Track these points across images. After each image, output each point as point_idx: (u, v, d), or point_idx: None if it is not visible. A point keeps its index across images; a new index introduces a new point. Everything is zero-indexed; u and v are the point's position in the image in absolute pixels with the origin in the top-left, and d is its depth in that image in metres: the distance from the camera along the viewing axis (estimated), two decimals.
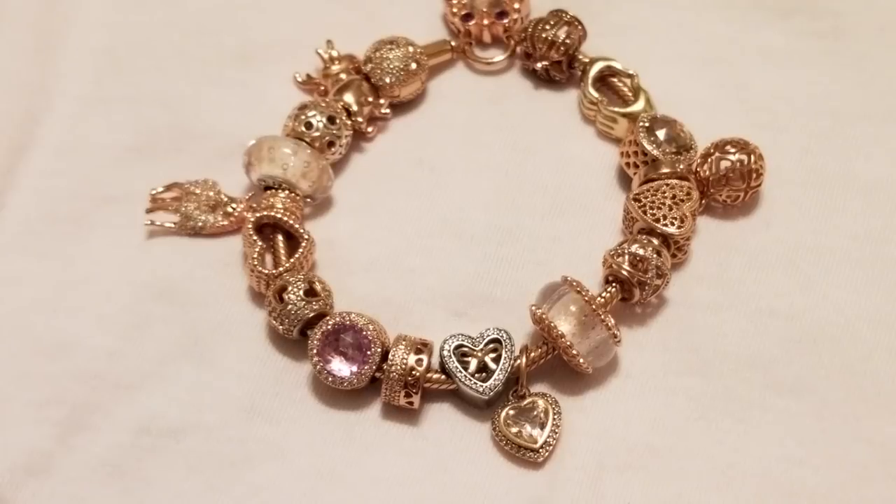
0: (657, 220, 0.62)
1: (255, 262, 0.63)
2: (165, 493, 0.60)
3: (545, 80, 0.70)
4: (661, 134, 0.64)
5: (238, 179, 0.67)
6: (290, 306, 0.61)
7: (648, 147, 0.64)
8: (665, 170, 0.64)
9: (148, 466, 0.61)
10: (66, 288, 0.65)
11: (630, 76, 0.68)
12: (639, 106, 0.67)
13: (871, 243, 0.65)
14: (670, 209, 0.63)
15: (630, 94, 0.68)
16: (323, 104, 0.67)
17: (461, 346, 0.61)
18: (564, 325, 0.60)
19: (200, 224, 0.66)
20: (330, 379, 0.60)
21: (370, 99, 0.69)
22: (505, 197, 0.67)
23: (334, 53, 0.70)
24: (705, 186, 0.65)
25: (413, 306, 0.64)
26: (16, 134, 0.69)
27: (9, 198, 0.68)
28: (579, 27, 0.69)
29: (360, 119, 0.68)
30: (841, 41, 0.71)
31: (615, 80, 0.68)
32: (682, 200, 0.63)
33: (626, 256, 0.62)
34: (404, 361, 0.60)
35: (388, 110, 0.69)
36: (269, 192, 0.65)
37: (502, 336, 0.61)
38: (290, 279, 0.62)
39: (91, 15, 0.73)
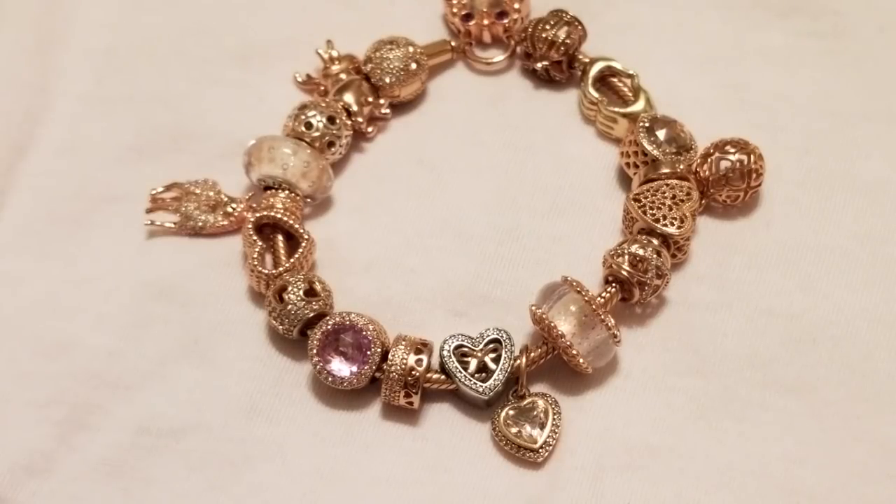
0: (657, 221, 0.62)
1: (255, 262, 0.63)
2: (165, 493, 0.60)
3: (545, 80, 0.70)
4: (661, 134, 0.64)
5: (238, 179, 0.67)
6: (290, 306, 0.61)
7: (648, 147, 0.64)
8: (665, 170, 0.64)
9: (148, 466, 0.61)
10: (66, 288, 0.65)
11: (630, 76, 0.68)
12: (639, 106, 0.67)
13: (871, 243, 0.65)
14: (670, 209, 0.63)
15: (630, 94, 0.68)
16: (323, 104, 0.67)
17: (461, 346, 0.61)
18: (564, 326, 0.60)
19: (200, 224, 0.66)
20: (330, 379, 0.60)
21: (370, 99, 0.69)
22: (505, 197, 0.67)
23: (334, 53, 0.70)
24: (705, 186, 0.65)
25: (413, 306, 0.64)
26: (16, 134, 0.69)
27: (9, 198, 0.68)
28: (579, 27, 0.69)
29: (360, 119, 0.68)
30: (841, 41, 0.71)
31: (615, 80, 0.68)
32: (682, 201, 0.63)
33: (626, 256, 0.62)
34: (404, 361, 0.60)
35: (388, 110, 0.69)
36: (269, 192, 0.65)
37: (502, 336, 0.61)
38: (290, 279, 0.62)
39: (91, 15, 0.73)
